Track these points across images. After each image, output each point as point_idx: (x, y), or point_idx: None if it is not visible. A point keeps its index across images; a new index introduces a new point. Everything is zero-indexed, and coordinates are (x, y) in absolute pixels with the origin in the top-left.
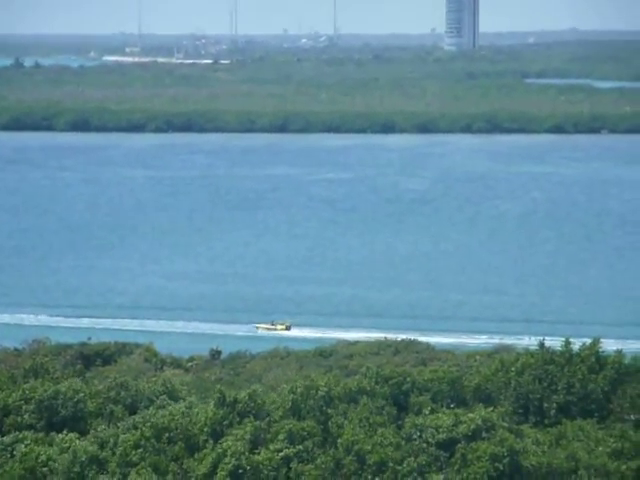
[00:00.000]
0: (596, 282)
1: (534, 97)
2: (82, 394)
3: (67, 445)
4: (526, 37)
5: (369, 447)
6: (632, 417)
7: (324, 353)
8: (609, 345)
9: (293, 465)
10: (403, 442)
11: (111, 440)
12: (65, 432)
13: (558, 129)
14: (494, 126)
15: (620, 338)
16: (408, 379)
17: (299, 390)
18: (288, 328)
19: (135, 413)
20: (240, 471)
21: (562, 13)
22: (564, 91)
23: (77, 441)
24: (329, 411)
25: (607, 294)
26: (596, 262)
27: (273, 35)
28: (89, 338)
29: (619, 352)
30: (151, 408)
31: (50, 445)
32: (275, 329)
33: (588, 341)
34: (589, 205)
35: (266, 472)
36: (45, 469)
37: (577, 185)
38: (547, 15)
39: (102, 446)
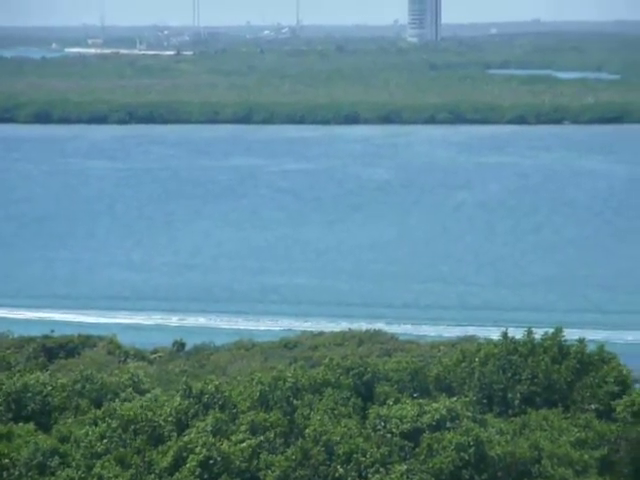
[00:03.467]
0: (557, 270)
1: (496, 88)
2: (50, 387)
3: (29, 438)
4: (488, 28)
5: (337, 438)
6: (593, 407)
7: (289, 344)
8: (572, 334)
9: (262, 456)
10: (370, 432)
11: (75, 433)
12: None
13: (520, 120)
14: (457, 117)
15: (582, 327)
16: (370, 369)
17: (266, 381)
18: None
19: (100, 406)
20: (211, 462)
21: (524, 4)
22: (526, 82)
23: (39, 434)
24: (295, 402)
25: (569, 282)
26: (557, 250)
27: (236, 26)
28: (52, 331)
29: (581, 341)
30: (117, 400)
31: (9, 440)
32: None
33: (551, 330)
34: (550, 195)
35: (237, 462)
36: (7, 461)
37: (539, 175)
38: (509, 6)
39: (65, 439)
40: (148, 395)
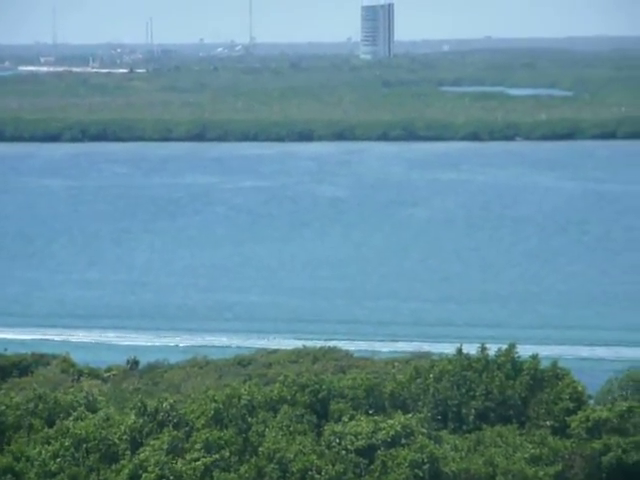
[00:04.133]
0: (510, 286)
1: (449, 105)
2: (3, 406)
3: None
4: (441, 45)
5: (292, 455)
6: (548, 423)
7: (243, 362)
8: (525, 350)
9: (216, 474)
10: (325, 449)
11: (29, 452)
12: None
13: (473, 136)
14: (410, 134)
15: (535, 343)
16: (325, 387)
17: (220, 399)
18: None
19: (53, 425)
20: None
21: (476, 21)
22: (479, 99)
23: None
24: (250, 420)
25: (521, 298)
26: (509, 266)
27: (189, 44)
28: (5, 349)
29: (535, 357)
30: (70, 419)
31: None
32: None
33: (504, 346)
34: (503, 211)
35: None
36: None
37: (492, 191)
38: (461, 24)
39: (19, 458)
40: (102, 413)
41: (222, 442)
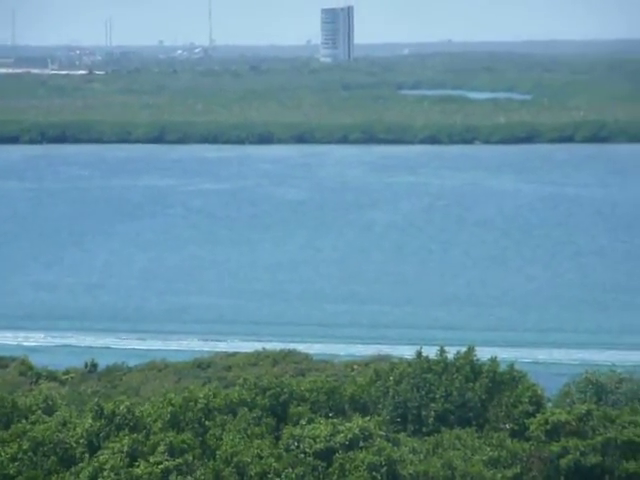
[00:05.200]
0: (468, 289)
1: (409, 108)
2: None
3: None
4: (401, 49)
5: (249, 458)
6: (507, 426)
7: (202, 364)
8: (484, 353)
9: (172, 478)
10: (284, 452)
11: None
12: None
13: (433, 140)
14: (370, 137)
15: (494, 345)
16: (286, 390)
17: (177, 402)
18: None
19: (9, 428)
20: None
21: (436, 25)
22: (438, 102)
23: None
24: (207, 423)
25: (480, 301)
26: (467, 269)
27: (149, 46)
28: None
29: (494, 360)
30: (28, 421)
31: None
32: None
33: (463, 349)
34: (461, 214)
35: None
36: None
37: (450, 194)
38: (421, 27)
39: None
40: (59, 416)
41: (185, 446)
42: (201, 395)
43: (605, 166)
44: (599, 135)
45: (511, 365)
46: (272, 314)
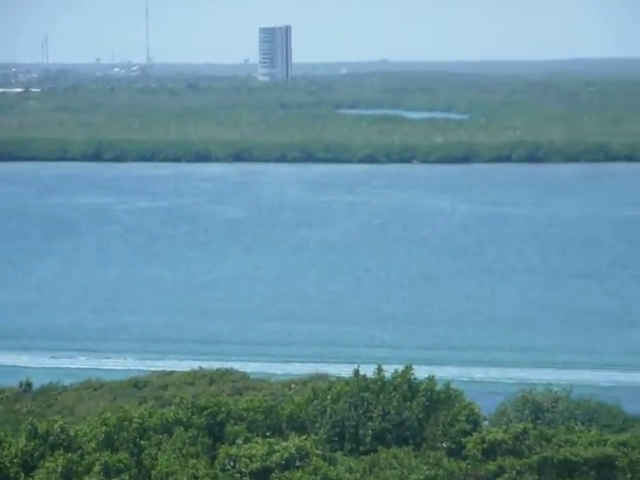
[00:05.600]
0: (406, 307)
1: (347, 127)
2: None
3: None
4: (338, 68)
5: (185, 478)
6: (444, 445)
7: (138, 384)
8: (422, 371)
9: None
10: (219, 472)
11: None
12: None
13: (371, 159)
14: (308, 155)
15: (432, 363)
16: (223, 409)
17: (112, 422)
18: None
19: None
20: None
21: (373, 44)
22: (376, 121)
23: None
24: (143, 443)
25: (417, 319)
26: (405, 287)
27: (86, 64)
28: None
29: (431, 379)
30: None
31: None
32: None
33: (401, 367)
34: (399, 233)
35: None
36: None
37: (388, 213)
38: (358, 46)
39: None
40: None
41: (120, 465)
42: (136, 414)
43: (541, 186)
44: (535, 155)
45: (447, 384)
46: (209, 332)
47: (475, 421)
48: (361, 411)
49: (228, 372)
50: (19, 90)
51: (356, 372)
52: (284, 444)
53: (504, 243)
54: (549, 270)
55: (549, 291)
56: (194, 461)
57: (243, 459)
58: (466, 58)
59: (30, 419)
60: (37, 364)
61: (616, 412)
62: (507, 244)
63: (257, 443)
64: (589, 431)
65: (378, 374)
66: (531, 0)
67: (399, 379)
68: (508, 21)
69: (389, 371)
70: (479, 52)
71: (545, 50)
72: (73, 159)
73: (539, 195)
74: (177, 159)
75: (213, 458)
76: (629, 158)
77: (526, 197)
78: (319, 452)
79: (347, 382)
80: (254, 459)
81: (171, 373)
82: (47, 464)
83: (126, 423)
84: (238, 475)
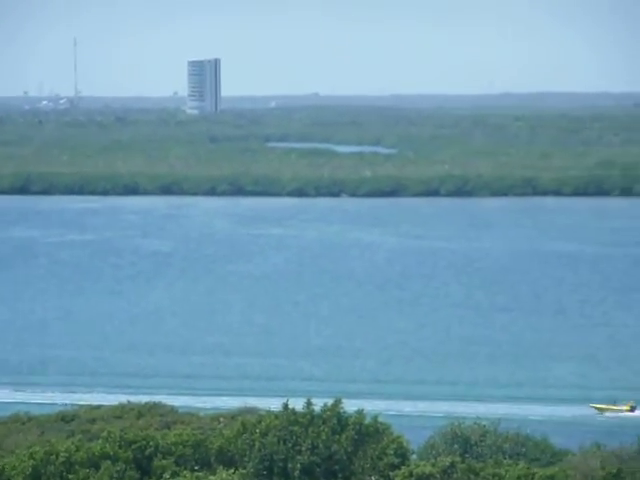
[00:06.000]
0: (334, 340)
1: (277, 161)
2: None
3: None
4: (268, 101)
5: None
6: (372, 478)
7: (66, 417)
8: (351, 405)
9: None
10: None
11: None
12: None
13: (300, 192)
14: (238, 189)
15: (360, 397)
16: (151, 443)
17: (39, 455)
18: (632, 409)
19: None
20: None
21: (303, 78)
22: (306, 155)
23: None
24: (70, 477)
25: (346, 353)
26: (333, 321)
27: (14, 97)
28: None
29: (360, 412)
30: None
31: None
32: (620, 410)
33: (330, 401)
34: (328, 266)
35: None
36: None
37: (317, 247)
38: (288, 80)
39: None
40: None
41: None
42: (63, 448)
43: (468, 220)
44: (463, 189)
45: (376, 417)
46: (136, 366)
47: (403, 454)
48: (290, 445)
49: (156, 406)
50: None
51: (285, 406)
52: (212, 478)
53: (431, 277)
54: (475, 304)
55: (475, 325)
56: None
57: None
58: (400, 92)
59: None
60: None
61: (544, 446)
62: (434, 278)
63: (185, 477)
64: (517, 465)
65: (307, 408)
66: (461, 35)
67: (328, 412)
68: (440, 55)
69: (318, 404)
70: (413, 86)
71: (475, 84)
72: (0, 192)
73: (467, 229)
74: (105, 192)
75: None
76: (557, 192)
77: (454, 231)
78: None
79: (276, 416)
80: None
81: (99, 407)
82: None
83: (53, 457)
84: None
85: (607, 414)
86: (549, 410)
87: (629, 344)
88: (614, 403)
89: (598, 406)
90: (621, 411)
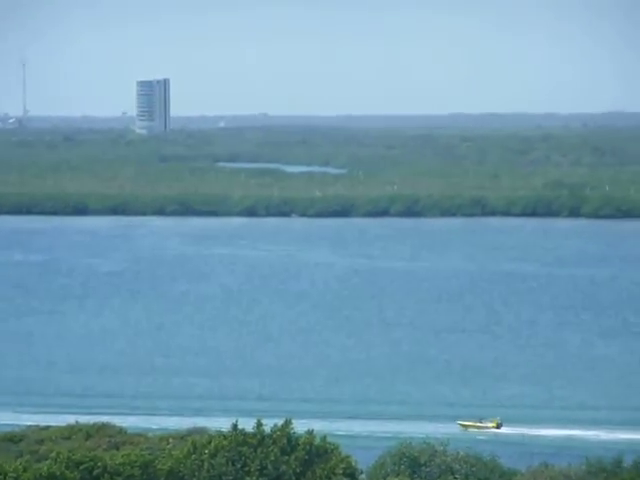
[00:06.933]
0: (284, 360)
1: (226, 181)
2: None
3: None
4: (217, 121)
5: None
6: None
7: (14, 438)
8: (301, 425)
9: None
10: None
11: None
12: None
13: (250, 212)
14: (187, 209)
15: (310, 417)
16: (99, 463)
17: None
18: (499, 426)
19: None
20: None
21: (252, 98)
22: (256, 175)
23: None
24: None
25: (296, 372)
26: (282, 340)
27: None
28: None
29: (310, 432)
30: None
31: None
32: (486, 427)
33: (280, 421)
34: (276, 286)
35: None
36: None
37: (266, 267)
38: (237, 100)
39: None
40: None
41: None
42: (10, 469)
43: (418, 240)
44: (413, 209)
45: (324, 437)
46: (85, 386)
47: (352, 474)
48: (239, 465)
49: (105, 426)
50: None
51: (234, 426)
52: None
53: (380, 297)
54: (423, 323)
55: (423, 344)
56: None
57: None
58: (350, 112)
59: None
60: None
61: (492, 466)
62: (383, 298)
63: None
64: None
65: (257, 428)
66: (410, 55)
67: (278, 433)
68: (390, 76)
69: (269, 424)
70: (362, 106)
71: (425, 105)
72: None
73: (416, 249)
74: (54, 212)
75: None
76: (505, 213)
77: (403, 251)
78: None
79: (225, 436)
80: None
81: (47, 427)
82: None
83: (1, 477)
84: None
85: (472, 430)
86: (498, 430)
87: (574, 364)
88: (480, 420)
89: (465, 423)
90: (487, 428)
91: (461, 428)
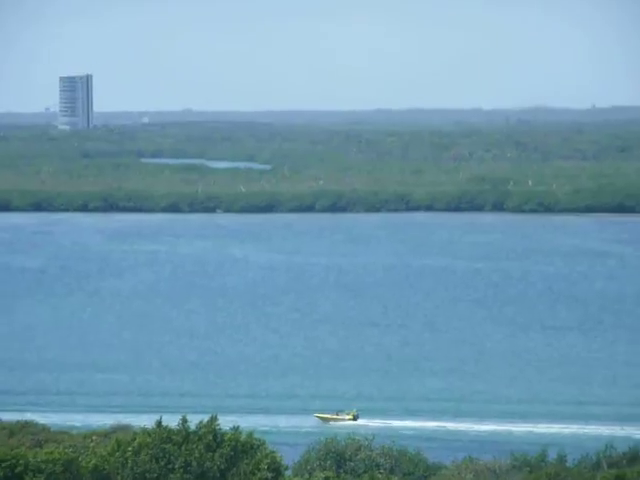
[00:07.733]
0: (208, 356)
1: (150, 176)
2: None
3: None
4: (140, 117)
5: None
6: None
7: None
8: (227, 421)
9: None
10: None
11: None
12: None
13: (174, 208)
14: (110, 205)
15: (237, 413)
16: (22, 461)
17: None
18: (355, 418)
19: None
20: None
21: (175, 94)
22: (179, 171)
23: None
24: None
25: (221, 368)
26: (210, 336)
27: None
28: None
29: (236, 429)
30: None
31: None
32: (343, 419)
33: (206, 417)
34: (200, 282)
35: None
36: None
37: (191, 263)
38: (160, 96)
39: None
40: None
41: None
42: None
43: (342, 235)
44: (338, 204)
45: (250, 433)
46: (6, 383)
47: (277, 470)
48: (163, 463)
49: (28, 424)
50: None
51: (158, 423)
52: None
53: (304, 292)
54: (347, 319)
55: (347, 339)
56: None
57: None
58: (273, 108)
59: None
60: None
61: (417, 460)
62: (307, 293)
63: None
64: (390, 479)
65: (182, 425)
66: (333, 50)
67: (204, 429)
68: (313, 70)
69: (194, 421)
70: (286, 102)
71: (349, 100)
72: None
73: (341, 244)
74: None
75: None
76: (429, 208)
77: (328, 246)
78: None
79: (149, 433)
80: None
81: None
82: None
83: None
84: None
85: (332, 423)
86: (423, 424)
87: (494, 358)
88: (337, 413)
89: (322, 416)
90: (344, 420)
91: (319, 420)
